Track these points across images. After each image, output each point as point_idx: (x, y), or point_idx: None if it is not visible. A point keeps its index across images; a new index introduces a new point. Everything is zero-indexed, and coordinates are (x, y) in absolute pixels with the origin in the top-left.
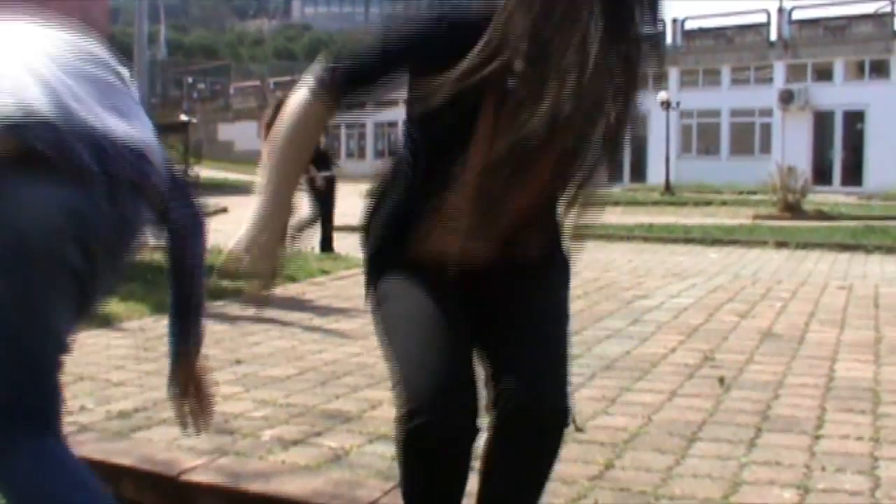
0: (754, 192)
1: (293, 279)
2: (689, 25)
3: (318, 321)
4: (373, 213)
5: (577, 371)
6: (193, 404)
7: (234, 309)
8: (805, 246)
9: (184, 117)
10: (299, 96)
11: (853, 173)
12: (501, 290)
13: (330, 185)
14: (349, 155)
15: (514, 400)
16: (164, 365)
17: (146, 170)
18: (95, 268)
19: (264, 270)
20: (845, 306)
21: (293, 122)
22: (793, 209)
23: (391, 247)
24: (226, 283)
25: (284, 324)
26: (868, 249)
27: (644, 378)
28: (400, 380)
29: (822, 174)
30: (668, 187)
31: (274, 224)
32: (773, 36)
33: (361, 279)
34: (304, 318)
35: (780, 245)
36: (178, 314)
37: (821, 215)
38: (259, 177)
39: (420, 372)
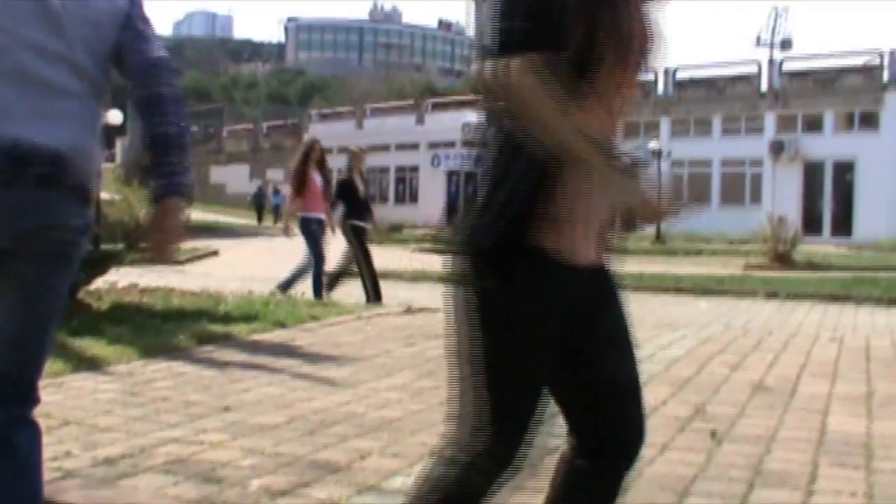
0: (745, 242)
1: (283, 324)
2: (680, 76)
3: (307, 368)
4: (482, 210)
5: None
6: (158, 238)
7: (223, 354)
8: (795, 296)
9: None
10: (520, 73)
11: (843, 224)
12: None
13: (360, 234)
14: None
15: (612, 444)
16: (153, 410)
17: (62, 166)
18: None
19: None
20: (837, 358)
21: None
22: (783, 259)
23: (511, 244)
24: (214, 328)
25: (274, 370)
26: (858, 300)
27: None
28: (474, 423)
29: (811, 224)
30: (659, 236)
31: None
32: (764, 87)
33: (353, 325)
34: (293, 365)
35: (771, 296)
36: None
37: (811, 266)
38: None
39: (500, 436)
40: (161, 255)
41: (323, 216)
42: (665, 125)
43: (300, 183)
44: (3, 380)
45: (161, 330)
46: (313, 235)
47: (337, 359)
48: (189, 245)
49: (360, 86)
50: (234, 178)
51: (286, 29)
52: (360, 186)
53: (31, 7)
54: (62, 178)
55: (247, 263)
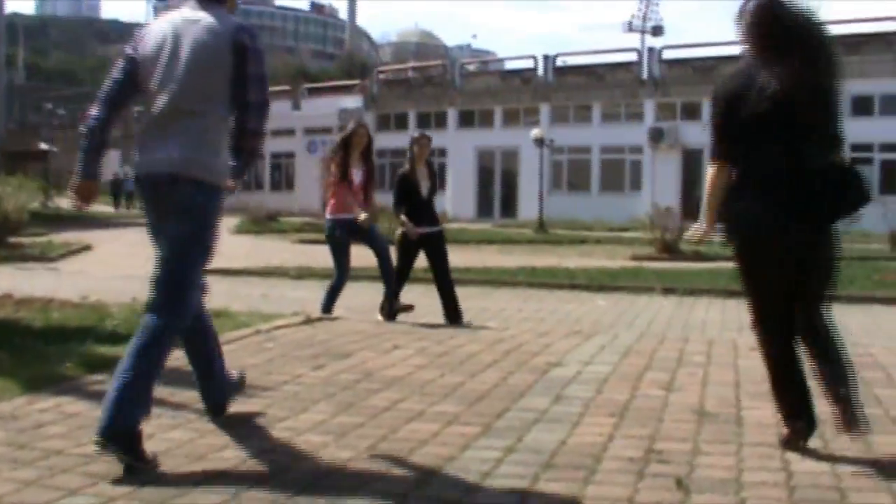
0: (625, 229)
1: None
2: (560, 62)
3: None
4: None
5: (515, 471)
6: None
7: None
8: (692, 292)
9: (43, 146)
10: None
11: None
12: None
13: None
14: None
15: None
16: (47, 469)
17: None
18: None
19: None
20: (765, 374)
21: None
22: (670, 249)
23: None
24: (103, 350)
25: (176, 407)
26: None
27: (592, 480)
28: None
29: (691, 211)
30: (542, 225)
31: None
32: (644, 75)
33: (253, 342)
34: (195, 399)
35: (668, 291)
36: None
37: (698, 256)
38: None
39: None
40: None
41: (354, 217)
42: (545, 111)
43: (340, 176)
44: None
45: (44, 355)
46: (338, 243)
47: (244, 389)
48: (61, 239)
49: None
50: (105, 164)
51: (155, 9)
52: (425, 182)
53: None
54: None
55: (123, 259)
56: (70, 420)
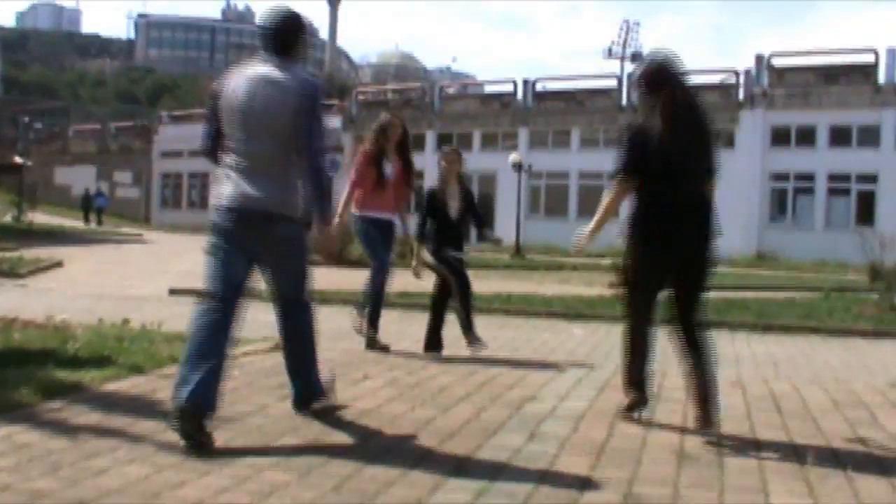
0: (603, 255)
1: (140, 369)
2: (539, 87)
3: (174, 434)
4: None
5: None
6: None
7: (74, 413)
8: (670, 321)
9: (18, 159)
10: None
11: None
12: None
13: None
14: (191, 204)
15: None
16: None
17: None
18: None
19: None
20: (748, 412)
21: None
22: None
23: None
24: (62, 375)
25: (134, 439)
26: (732, 327)
27: None
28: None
29: None
30: (519, 250)
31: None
32: (624, 101)
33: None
34: (156, 431)
35: None
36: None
37: None
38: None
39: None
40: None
41: (387, 216)
42: (523, 136)
43: (369, 169)
44: None
45: (0, 379)
46: (369, 237)
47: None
48: (32, 254)
49: (212, 86)
50: (81, 179)
51: (136, 25)
52: (454, 202)
53: None
54: None
55: (94, 276)
56: (21, 452)
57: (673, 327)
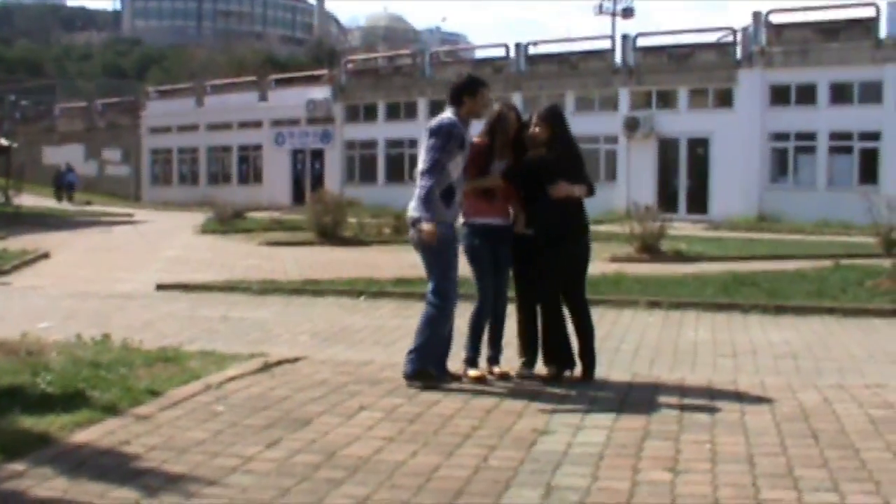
0: (601, 222)
1: (114, 409)
2: (532, 50)
3: None
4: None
5: None
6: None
7: (36, 481)
8: (678, 305)
9: (3, 141)
10: None
11: (698, 201)
12: None
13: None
14: (182, 180)
15: None
16: None
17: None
18: None
19: None
20: (781, 440)
21: None
22: (651, 250)
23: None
24: (29, 423)
25: None
26: (744, 308)
27: None
28: None
29: (667, 202)
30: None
31: None
32: (618, 63)
33: (201, 404)
34: (126, 501)
35: (653, 304)
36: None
37: (680, 257)
38: None
39: None
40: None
41: (498, 222)
42: (517, 101)
43: (480, 170)
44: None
45: None
46: (478, 255)
47: (182, 482)
48: (18, 244)
49: (200, 56)
50: (69, 158)
51: None
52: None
53: None
54: None
55: (81, 268)
56: None
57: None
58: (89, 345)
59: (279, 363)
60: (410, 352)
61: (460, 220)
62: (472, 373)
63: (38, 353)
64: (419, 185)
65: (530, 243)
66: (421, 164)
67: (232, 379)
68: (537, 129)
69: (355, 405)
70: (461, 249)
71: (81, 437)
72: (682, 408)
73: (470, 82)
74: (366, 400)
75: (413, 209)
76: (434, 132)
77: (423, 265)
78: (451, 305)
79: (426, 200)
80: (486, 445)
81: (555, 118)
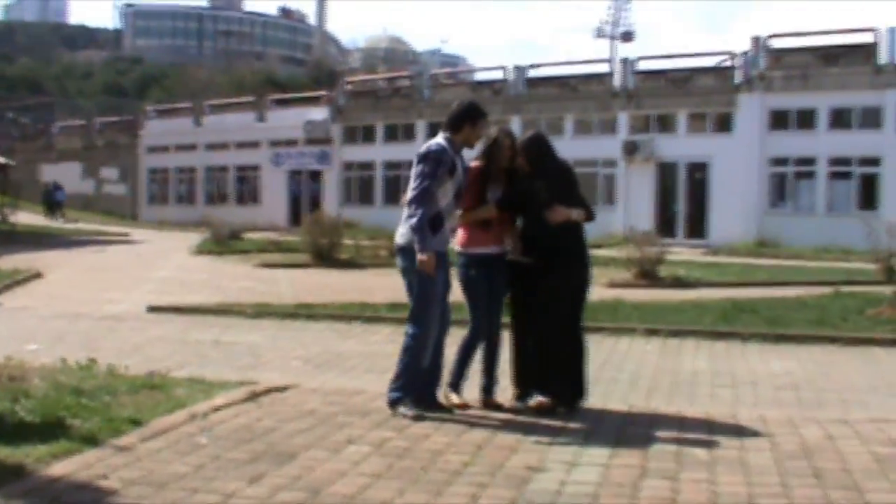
0: (600, 245)
1: (94, 439)
2: (532, 73)
3: None
4: None
5: None
6: None
7: None
8: (677, 333)
9: (1, 160)
10: None
11: (697, 226)
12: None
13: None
14: (179, 200)
15: None
16: None
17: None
18: None
19: None
20: (782, 481)
21: None
22: (649, 276)
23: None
24: (3, 454)
25: None
26: (744, 337)
27: None
28: None
29: (666, 226)
30: None
31: None
32: (618, 86)
33: (184, 435)
34: None
35: (651, 332)
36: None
37: (678, 283)
38: None
39: None
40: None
41: (492, 250)
42: (516, 124)
43: (475, 196)
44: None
45: None
46: (473, 284)
47: None
48: (11, 263)
49: (200, 76)
50: (66, 177)
51: (122, 15)
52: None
53: None
54: None
55: (73, 288)
56: None
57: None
58: (74, 370)
59: (267, 391)
60: (392, 381)
61: (457, 248)
62: (455, 399)
63: (20, 379)
64: (409, 214)
65: (529, 271)
66: (410, 192)
67: (218, 409)
68: (520, 160)
69: (343, 438)
70: (456, 278)
71: (58, 469)
72: (680, 442)
73: (472, 110)
74: (354, 432)
75: (400, 236)
76: (422, 158)
77: (406, 292)
78: (429, 334)
79: (419, 230)
80: (477, 483)
81: (534, 148)
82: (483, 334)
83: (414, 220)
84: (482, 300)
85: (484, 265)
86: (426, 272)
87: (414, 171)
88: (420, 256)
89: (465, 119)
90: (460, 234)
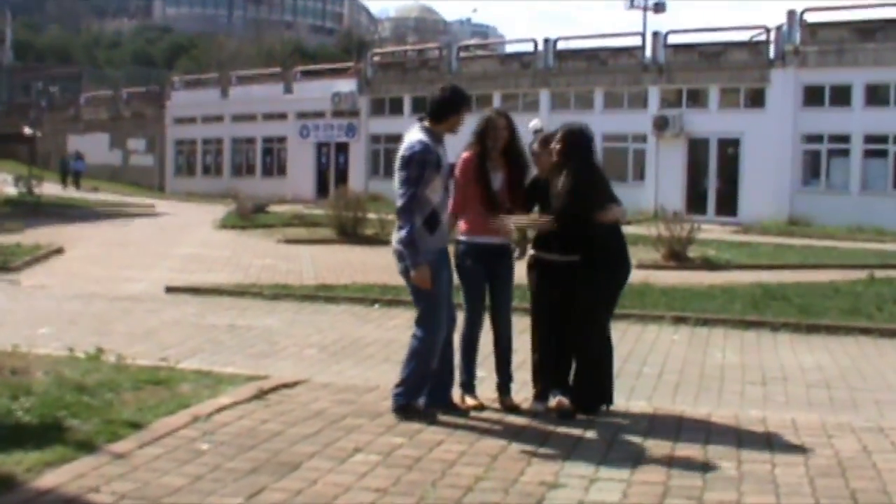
0: (628, 223)
1: (90, 445)
2: (561, 46)
3: None
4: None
5: None
6: None
7: None
8: (706, 322)
9: (28, 130)
10: None
11: (727, 203)
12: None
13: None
14: (206, 171)
15: None
16: None
17: None
18: None
19: None
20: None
21: None
22: (678, 257)
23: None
24: None
25: None
26: (774, 326)
27: None
28: None
29: (696, 203)
30: None
31: None
32: (648, 60)
33: (185, 440)
34: None
35: (679, 320)
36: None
37: (707, 264)
38: None
39: None
40: None
41: (495, 241)
42: (544, 98)
43: (477, 182)
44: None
45: None
46: (469, 274)
47: None
48: (32, 238)
49: (229, 46)
50: (93, 147)
51: None
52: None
53: None
54: None
55: (93, 265)
56: None
57: None
58: (80, 361)
59: (276, 388)
60: (396, 385)
61: (458, 235)
62: (469, 401)
63: (23, 372)
64: (399, 226)
65: (567, 270)
66: (399, 200)
67: (222, 409)
68: (556, 146)
69: (350, 445)
70: (453, 265)
71: (49, 480)
72: (707, 455)
73: (458, 99)
74: (362, 438)
75: (397, 242)
76: (406, 163)
77: (410, 294)
78: (438, 338)
79: (410, 244)
80: (490, 502)
81: (574, 139)
82: (479, 326)
83: (403, 233)
84: (478, 292)
85: (484, 256)
86: (423, 286)
87: (398, 176)
88: (413, 273)
89: (451, 109)
90: (462, 222)
